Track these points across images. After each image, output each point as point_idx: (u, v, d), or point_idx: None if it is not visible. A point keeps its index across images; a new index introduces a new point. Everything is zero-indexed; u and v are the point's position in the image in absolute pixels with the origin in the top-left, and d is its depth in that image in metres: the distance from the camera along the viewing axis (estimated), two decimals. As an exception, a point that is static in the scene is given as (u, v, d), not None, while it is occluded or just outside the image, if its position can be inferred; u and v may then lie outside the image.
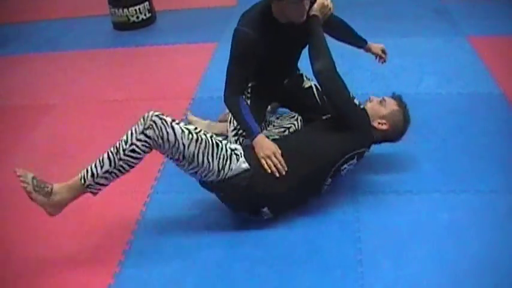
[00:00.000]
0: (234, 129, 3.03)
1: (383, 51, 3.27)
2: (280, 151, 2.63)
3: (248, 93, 3.10)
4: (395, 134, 2.90)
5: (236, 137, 3.01)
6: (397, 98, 2.91)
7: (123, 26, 5.37)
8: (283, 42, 2.83)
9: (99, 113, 3.91)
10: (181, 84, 4.13)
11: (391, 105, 2.86)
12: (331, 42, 2.83)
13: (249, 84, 3.07)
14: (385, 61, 3.28)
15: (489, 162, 3.04)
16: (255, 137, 2.70)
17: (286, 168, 2.60)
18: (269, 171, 2.58)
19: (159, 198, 2.99)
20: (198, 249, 2.63)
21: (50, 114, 3.94)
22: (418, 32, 4.71)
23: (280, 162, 2.60)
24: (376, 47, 3.26)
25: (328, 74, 2.67)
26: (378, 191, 2.89)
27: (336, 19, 3.04)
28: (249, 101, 3.04)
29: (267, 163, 2.60)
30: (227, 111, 3.38)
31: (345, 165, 2.71)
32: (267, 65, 2.89)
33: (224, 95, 2.84)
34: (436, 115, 3.31)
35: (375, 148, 3.14)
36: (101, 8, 5.65)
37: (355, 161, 2.74)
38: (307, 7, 2.67)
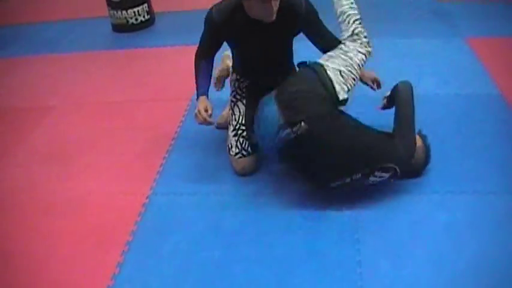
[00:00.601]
0: (234, 129, 3.04)
1: (375, 81, 3.23)
2: (210, 108, 2.87)
3: (243, 93, 3.13)
4: (415, 171, 2.94)
5: (236, 137, 3.02)
6: (423, 136, 2.96)
7: (122, 28, 5.38)
8: (256, 38, 2.89)
9: (99, 114, 3.91)
10: (180, 86, 4.13)
11: (418, 141, 2.88)
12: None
13: (244, 85, 3.16)
14: (376, 90, 3.27)
15: (487, 163, 3.04)
16: (198, 97, 2.97)
17: (212, 124, 2.94)
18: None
19: (157, 200, 2.99)
20: (196, 250, 2.64)
21: (49, 116, 3.95)
22: (416, 34, 4.71)
23: (205, 119, 2.85)
24: (368, 77, 3.22)
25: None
26: (376, 192, 2.89)
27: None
28: (244, 101, 3.08)
29: (197, 117, 2.87)
30: (224, 112, 3.41)
31: (374, 175, 2.70)
32: (250, 61, 3.08)
33: (195, 54, 3.07)
34: (434, 116, 3.31)
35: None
36: (100, 10, 5.66)
37: (384, 175, 2.73)
38: (275, 8, 2.69)
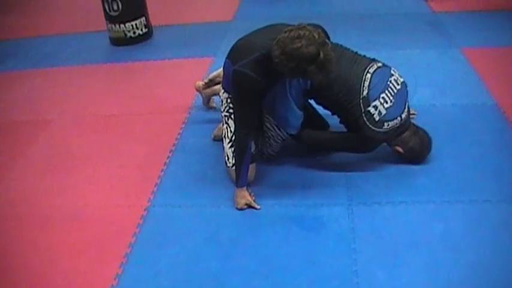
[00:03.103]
0: (230, 141, 3.06)
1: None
2: (252, 198, 2.97)
3: None
4: (412, 157, 3.12)
5: (232, 149, 3.04)
6: (412, 126, 3.12)
7: (120, 41, 5.41)
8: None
9: (97, 127, 3.93)
10: (178, 99, 4.16)
11: (408, 132, 3.07)
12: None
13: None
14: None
15: (483, 172, 3.07)
16: (238, 187, 2.96)
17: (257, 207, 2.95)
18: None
19: (156, 212, 3.01)
20: (194, 262, 2.65)
21: (47, 129, 3.96)
22: (412, 45, 4.75)
23: (251, 206, 2.95)
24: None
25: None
26: (372, 202, 2.91)
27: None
28: None
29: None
30: (221, 124, 3.42)
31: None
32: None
33: (239, 136, 2.91)
34: (430, 126, 3.32)
35: (370, 159, 3.18)
36: (98, 24, 5.69)
37: None
38: None
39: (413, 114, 3.44)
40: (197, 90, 3.84)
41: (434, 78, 4.13)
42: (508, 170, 3.07)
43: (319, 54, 2.49)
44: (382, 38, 4.91)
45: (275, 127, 3.11)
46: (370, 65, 3.02)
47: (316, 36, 2.51)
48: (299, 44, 2.48)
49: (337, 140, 3.15)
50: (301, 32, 2.51)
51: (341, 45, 3.14)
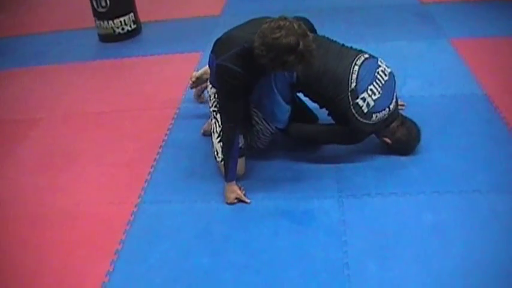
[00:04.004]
0: (219, 135, 3.06)
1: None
2: (242, 192, 2.97)
3: None
4: (399, 148, 3.14)
5: (221, 143, 3.03)
6: (400, 117, 3.14)
7: (108, 38, 5.39)
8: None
9: (86, 125, 3.92)
10: (168, 94, 4.15)
11: (396, 122, 3.10)
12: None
13: None
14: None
15: (472, 162, 3.07)
16: (228, 182, 2.96)
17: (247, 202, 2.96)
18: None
19: (146, 208, 3.00)
20: (185, 257, 2.65)
21: (37, 128, 3.95)
22: (400, 36, 4.75)
23: (242, 200, 2.96)
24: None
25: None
26: (363, 194, 2.92)
27: None
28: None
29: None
30: (210, 120, 3.42)
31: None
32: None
33: (226, 128, 2.91)
34: (419, 117, 3.32)
35: (359, 151, 3.18)
36: (87, 21, 5.66)
37: None
38: None
39: (402, 105, 3.45)
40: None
41: (423, 69, 4.13)
42: (497, 160, 3.07)
43: (298, 45, 2.49)
44: (371, 30, 4.91)
45: (263, 121, 3.10)
46: (357, 57, 3.02)
47: (296, 27, 2.51)
48: (278, 34, 2.49)
49: (325, 132, 3.15)
50: (282, 23, 2.52)
51: (327, 38, 3.13)
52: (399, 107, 3.25)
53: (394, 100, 3.06)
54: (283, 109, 3.05)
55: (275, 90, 2.97)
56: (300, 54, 2.52)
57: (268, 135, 3.17)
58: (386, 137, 3.10)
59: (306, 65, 2.59)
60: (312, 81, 2.96)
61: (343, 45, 3.12)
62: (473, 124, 3.41)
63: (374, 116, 2.95)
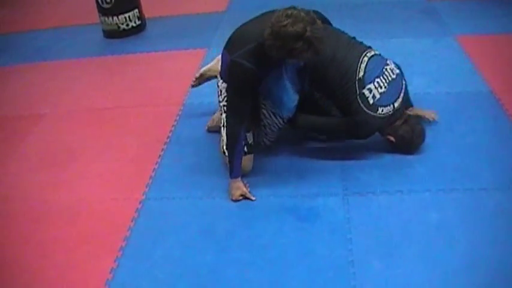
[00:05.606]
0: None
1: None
2: (247, 189, 2.95)
3: None
4: (402, 147, 3.12)
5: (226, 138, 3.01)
6: (404, 115, 3.12)
7: (113, 34, 5.38)
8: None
9: (90, 121, 3.91)
10: (172, 91, 4.14)
11: (399, 120, 3.08)
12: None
13: None
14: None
15: (478, 160, 3.06)
16: (232, 178, 2.94)
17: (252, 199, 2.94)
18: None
19: (150, 205, 2.99)
20: (190, 255, 2.64)
21: (41, 124, 3.94)
22: (406, 33, 4.74)
23: (247, 197, 2.93)
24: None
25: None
26: (368, 192, 2.90)
27: None
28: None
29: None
30: (214, 116, 3.41)
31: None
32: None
33: (231, 124, 2.90)
34: (425, 115, 3.32)
35: (364, 149, 3.17)
36: (91, 17, 5.66)
37: None
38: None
39: (433, 117, 3.40)
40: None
41: (429, 66, 4.12)
42: (503, 158, 3.06)
43: (306, 31, 2.49)
44: (376, 26, 4.89)
45: (271, 114, 3.09)
46: (367, 50, 3.05)
47: (304, 15, 2.53)
48: (285, 22, 2.50)
49: (332, 124, 3.14)
50: (289, 12, 2.54)
51: (338, 29, 3.15)
52: (429, 118, 3.32)
53: (400, 99, 3.05)
54: (292, 97, 3.04)
55: (284, 76, 2.96)
56: (308, 41, 2.52)
57: (275, 130, 3.15)
58: (390, 134, 3.08)
59: (314, 52, 2.58)
60: (320, 66, 2.96)
61: (354, 37, 3.12)
62: (479, 121, 3.39)
63: (380, 109, 2.95)
